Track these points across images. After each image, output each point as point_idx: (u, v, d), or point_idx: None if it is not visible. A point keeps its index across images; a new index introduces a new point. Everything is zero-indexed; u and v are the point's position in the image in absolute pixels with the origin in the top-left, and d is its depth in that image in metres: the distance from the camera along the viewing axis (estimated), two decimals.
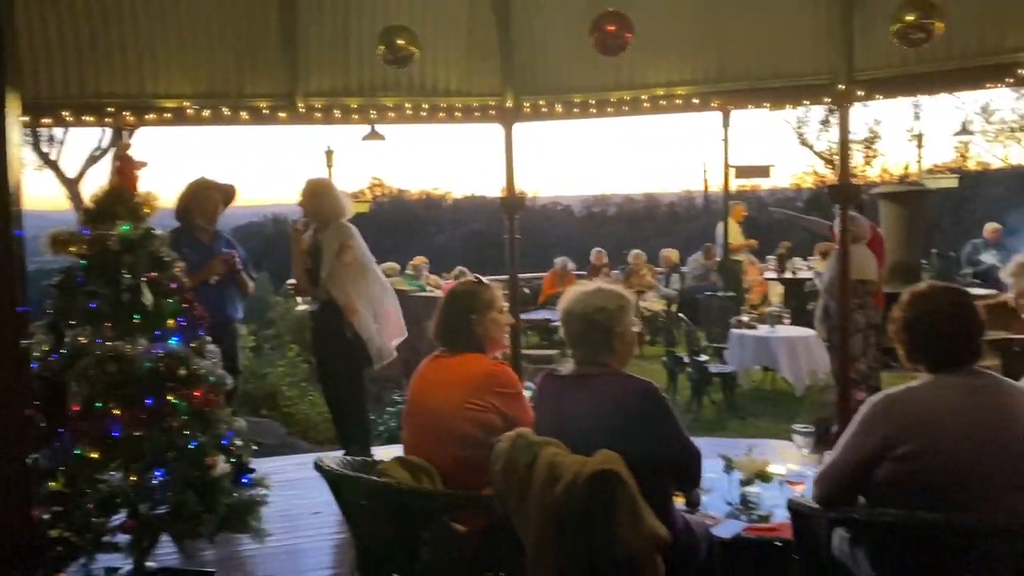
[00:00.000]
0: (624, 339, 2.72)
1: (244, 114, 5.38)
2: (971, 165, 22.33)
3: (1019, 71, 4.63)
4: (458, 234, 30.01)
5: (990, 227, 13.17)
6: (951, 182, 13.42)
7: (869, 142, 22.17)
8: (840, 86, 5.19)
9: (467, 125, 5.96)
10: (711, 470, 3.30)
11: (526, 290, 11.53)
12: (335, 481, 2.94)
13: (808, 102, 5.38)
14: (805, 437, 3.65)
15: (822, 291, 6.90)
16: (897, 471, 2.32)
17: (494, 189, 20.98)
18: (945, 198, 13.99)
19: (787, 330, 8.22)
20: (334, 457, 3.27)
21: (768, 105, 5.57)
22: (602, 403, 2.62)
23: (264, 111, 5.41)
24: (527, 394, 3.07)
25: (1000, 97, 18.97)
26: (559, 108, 5.68)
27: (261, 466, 4.00)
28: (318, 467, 2.95)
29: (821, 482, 2.53)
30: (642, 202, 36.60)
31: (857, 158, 22.31)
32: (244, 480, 3.66)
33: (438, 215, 33.93)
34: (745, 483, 3.40)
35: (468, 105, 5.69)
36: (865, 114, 25.04)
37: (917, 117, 20.40)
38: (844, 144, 5.40)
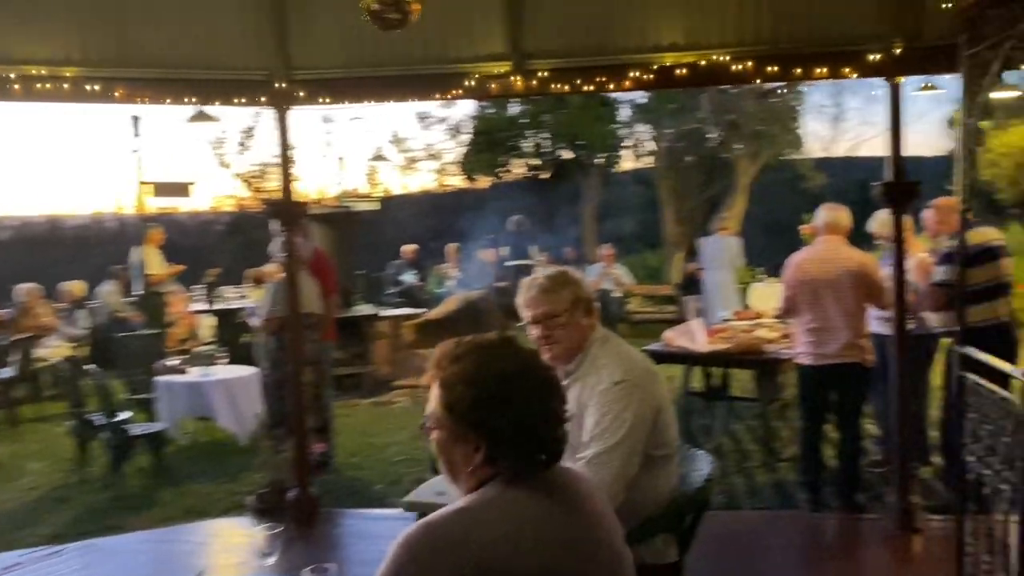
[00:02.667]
0: None
1: None
2: (379, 191, 23.96)
3: (467, 82, 4.35)
4: None
5: (407, 248, 13.94)
6: (374, 205, 13.84)
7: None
8: (278, 84, 4.36)
9: None
10: None
11: None
12: None
13: (242, 100, 4.43)
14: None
15: (258, 326, 6.03)
16: None
17: None
18: (364, 221, 14.47)
19: (224, 371, 7.14)
20: None
21: (195, 100, 4.47)
22: None
23: None
24: None
25: (410, 126, 20.59)
26: None
27: None
28: None
29: None
30: (43, 225, 31.46)
31: (275, 182, 22.20)
32: None
33: None
34: None
35: None
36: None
37: (329, 144, 21.16)
38: (286, 157, 4.56)
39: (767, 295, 10.15)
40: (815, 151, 16.39)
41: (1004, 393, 2.49)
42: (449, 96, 4.52)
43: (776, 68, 4.21)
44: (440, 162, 18.37)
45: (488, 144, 17.00)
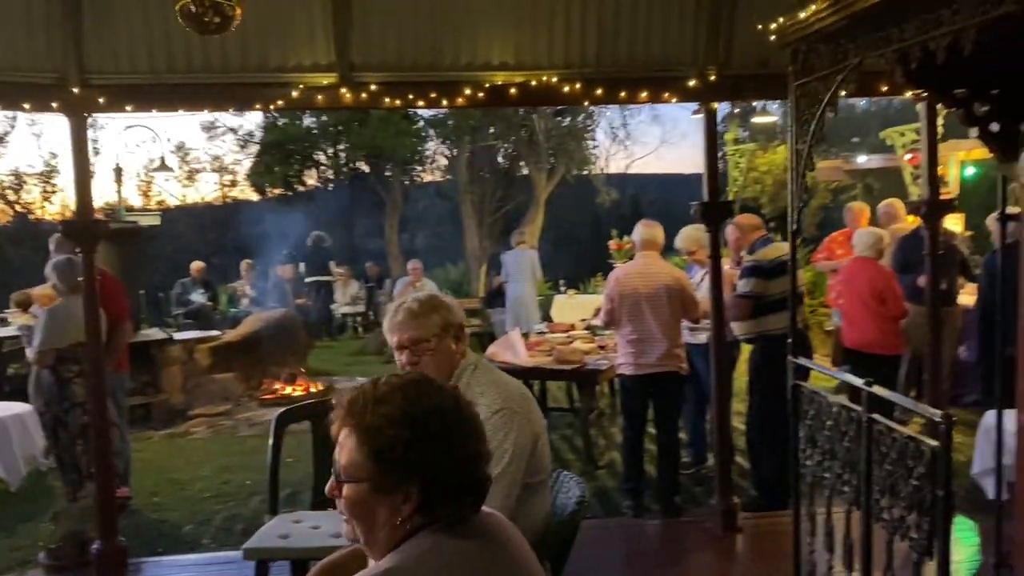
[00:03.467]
0: None
1: None
2: (154, 204, 22.21)
3: (291, 92, 4.11)
4: None
5: (196, 265, 13.03)
6: (154, 219, 12.85)
7: (47, 176, 20.15)
8: (74, 89, 3.90)
9: None
10: None
11: None
12: None
13: (28, 106, 3.91)
14: None
15: (32, 359, 5.36)
16: None
17: None
18: (146, 237, 13.36)
19: None
20: None
21: None
22: None
23: None
24: None
25: (194, 135, 19.27)
26: None
27: None
28: None
29: None
30: None
31: (34, 193, 20.08)
32: None
33: None
34: None
35: None
36: (41, 146, 22.79)
37: (98, 152, 19.35)
38: (84, 166, 4.07)
39: (569, 307, 10.54)
40: (606, 168, 17.26)
41: (845, 402, 2.68)
42: (272, 107, 4.24)
43: (602, 91, 4.34)
44: (227, 174, 17.46)
45: (281, 156, 16.34)
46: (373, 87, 4.20)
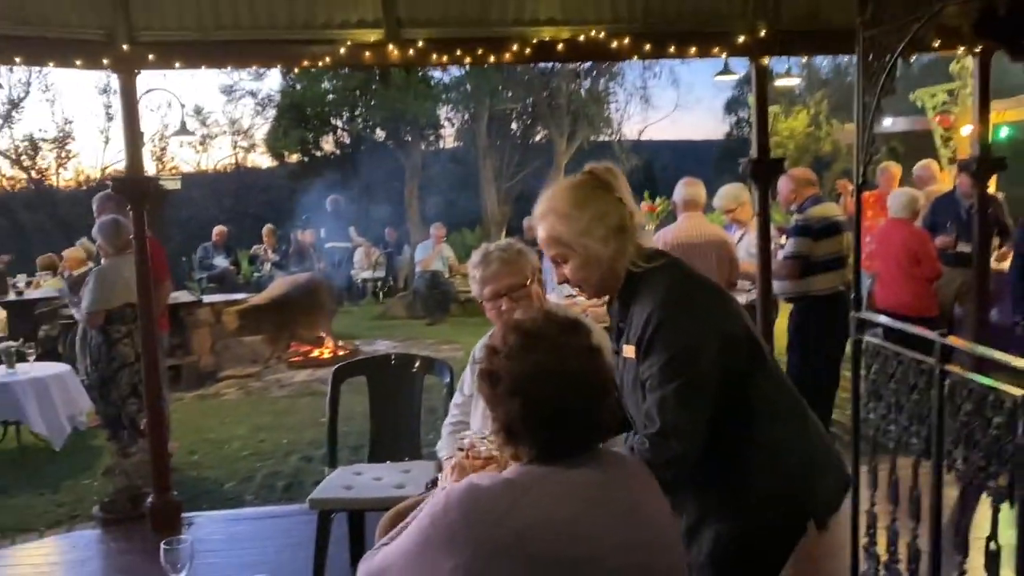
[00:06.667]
0: None
1: None
2: (169, 169, 22.13)
3: (339, 49, 4.08)
4: None
5: (218, 230, 13.07)
6: (175, 184, 12.86)
7: (61, 142, 20.15)
8: (124, 46, 3.88)
9: None
10: None
11: None
12: None
13: (80, 63, 3.89)
14: None
15: (81, 318, 5.38)
16: None
17: None
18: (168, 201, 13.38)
19: (33, 368, 6.33)
20: None
21: (21, 59, 3.87)
22: None
23: None
24: None
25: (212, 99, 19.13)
26: None
27: None
28: None
29: None
30: None
31: (49, 159, 20.10)
32: None
33: None
34: None
35: None
36: (58, 113, 22.75)
37: (111, 116, 19.25)
38: (134, 123, 4.06)
39: None
40: (629, 133, 17.13)
41: (916, 355, 2.68)
42: (319, 64, 4.21)
43: (650, 46, 4.29)
44: (245, 137, 17.43)
45: (298, 119, 16.26)
46: (420, 43, 4.16)
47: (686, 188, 5.13)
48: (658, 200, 8.95)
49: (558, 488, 1.44)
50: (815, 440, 2.10)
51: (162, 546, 2.27)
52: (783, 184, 5.34)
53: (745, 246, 5.57)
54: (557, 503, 1.42)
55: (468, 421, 2.68)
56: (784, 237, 5.19)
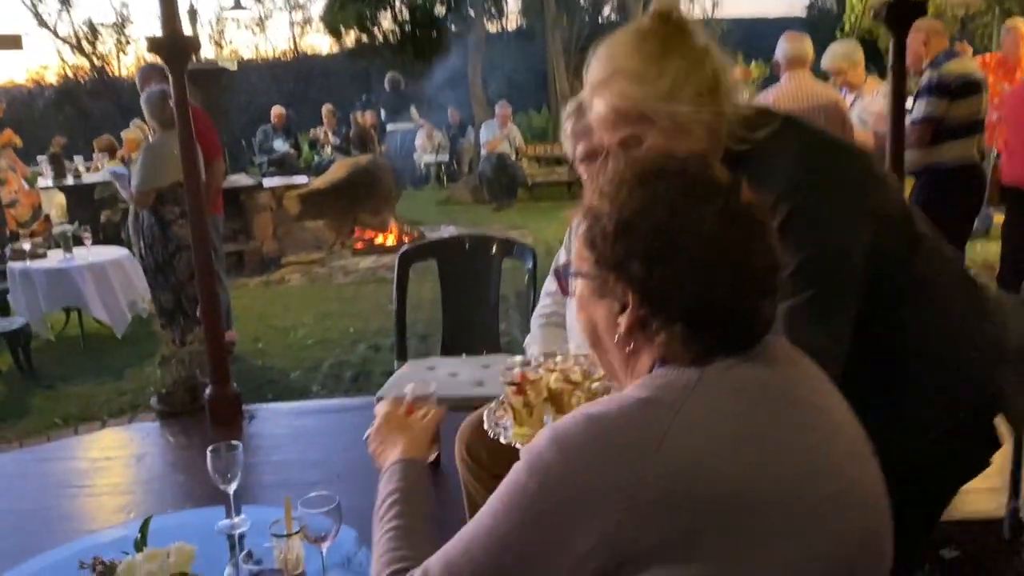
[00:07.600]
0: None
1: None
2: (227, 53, 21.63)
3: None
4: None
5: (277, 111, 12.66)
6: (231, 65, 12.37)
7: (120, 27, 19.74)
8: None
9: None
10: None
11: None
12: None
13: None
14: None
15: (131, 200, 5.05)
16: None
17: None
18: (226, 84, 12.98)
19: (90, 253, 6.10)
20: None
21: None
22: None
23: None
24: None
25: None
26: None
27: None
28: None
29: None
30: None
31: (109, 45, 19.78)
32: None
33: None
34: None
35: None
36: None
37: None
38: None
39: None
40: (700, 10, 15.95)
41: None
42: None
43: None
44: (301, 12, 16.78)
45: None
46: None
47: (790, 43, 4.45)
48: (753, 64, 8.09)
49: (722, 399, 0.98)
50: (998, 322, 1.56)
51: (208, 453, 1.97)
52: (912, 39, 4.57)
53: (858, 112, 4.91)
54: (723, 421, 0.96)
55: (563, 312, 2.23)
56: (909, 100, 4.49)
